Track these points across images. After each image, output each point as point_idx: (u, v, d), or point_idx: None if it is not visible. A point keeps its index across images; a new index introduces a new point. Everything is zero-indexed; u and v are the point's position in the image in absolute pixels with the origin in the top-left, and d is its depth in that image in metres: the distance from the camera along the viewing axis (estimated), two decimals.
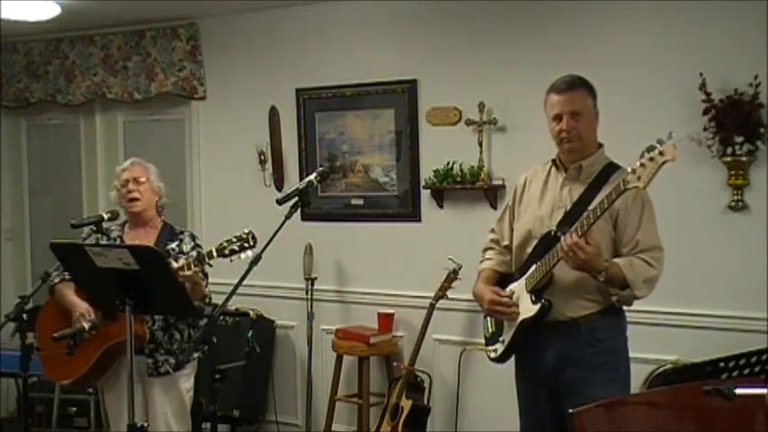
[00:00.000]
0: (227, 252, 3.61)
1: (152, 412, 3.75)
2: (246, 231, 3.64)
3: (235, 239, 3.62)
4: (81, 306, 3.73)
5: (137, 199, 3.87)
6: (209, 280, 3.85)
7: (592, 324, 3.14)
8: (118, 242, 3.88)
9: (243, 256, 3.61)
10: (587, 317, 3.14)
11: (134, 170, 3.93)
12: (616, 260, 3.07)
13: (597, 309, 3.14)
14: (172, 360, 3.79)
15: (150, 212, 3.92)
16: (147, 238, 3.86)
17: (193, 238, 3.95)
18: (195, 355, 3.79)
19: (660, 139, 2.85)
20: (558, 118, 3.17)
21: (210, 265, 3.74)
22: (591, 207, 3.01)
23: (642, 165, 2.84)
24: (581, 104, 3.16)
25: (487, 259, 3.47)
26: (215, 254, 3.61)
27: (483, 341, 3.53)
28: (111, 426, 3.93)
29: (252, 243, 3.60)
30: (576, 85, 3.18)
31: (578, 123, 3.15)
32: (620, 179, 2.94)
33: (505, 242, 3.42)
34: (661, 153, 2.81)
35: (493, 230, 3.50)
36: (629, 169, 2.90)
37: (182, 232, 3.95)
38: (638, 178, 2.84)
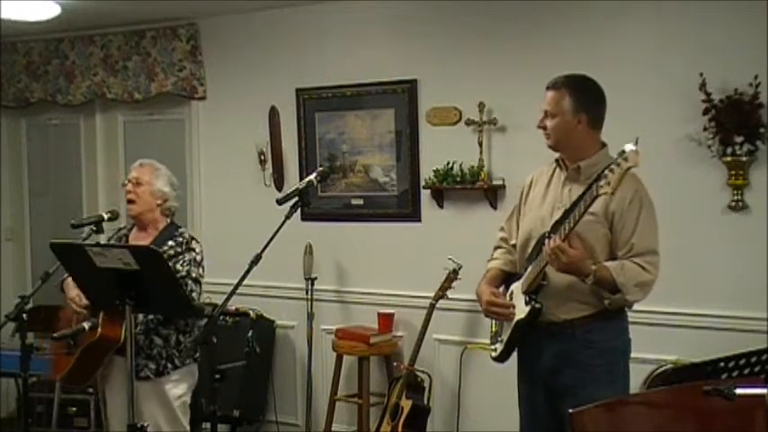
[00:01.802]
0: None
1: (142, 415, 3.73)
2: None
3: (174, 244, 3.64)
4: (72, 293, 3.74)
5: (131, 201, 3.84)
6: (206, 279, 3.83)
7: (586, 326, 3.13)
8: (123, 242, 3.87)
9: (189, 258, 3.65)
10: (582, 319, 3.13)
11: (138, 171, 3.88)
12: (606, 263, 3.06)
13: (592, 311, 3.13)
14: (152, 365, 3.72)
15: (150, 215, 3.85)
16: (147, 239, 3.82)
17: (188, 240, 3.81)
18: (186, 361, 3.74)
19: (623, 149, 2.85)
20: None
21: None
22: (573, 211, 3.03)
23: (611, 170, 2.84)
24: (552, 105, 3.18)
25: (495, 259, 3.48)
26: None
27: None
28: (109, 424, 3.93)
29: (185, 246, 3.61)
30: (557, 85, 3.20)
31: (550, 123, 3.19)
32: (593, 186, 2.93)
33: (513, 240, 3.42)
34: (625, 159, 2.81)
35: (502, 228, 3.51)
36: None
37: (181, 235, 3.84)
38: (608, 184, 2.84)
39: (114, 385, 3.79)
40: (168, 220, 3.90)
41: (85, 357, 3.70)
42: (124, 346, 3.55)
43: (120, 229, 4.03)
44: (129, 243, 3.84)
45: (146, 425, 3.37)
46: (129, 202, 3.85)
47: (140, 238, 3.84)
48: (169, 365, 3.74)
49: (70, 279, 3.82)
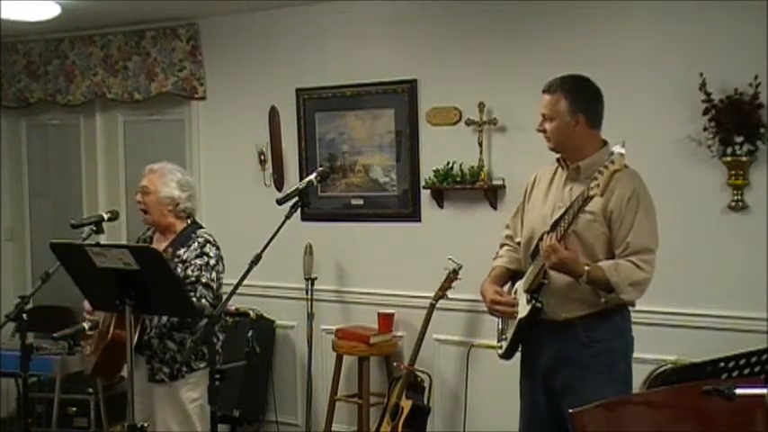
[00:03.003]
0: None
1: (154, 417, 3.73)
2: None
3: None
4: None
5: (144, 211, 3.85)
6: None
7: (587, 325, 3.14)
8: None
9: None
10: (583, 318, 3.14)
11: (146, 180, 3.85)
12: (601, 263, 3.08)
13: (593, 310, 3.14)
14: (166, 369, 3.72)
15: (164, 221, 3.83)
16: (164, 244, 3.79)
17: (203, 245, 3.75)
18: (201, 365, 3.73)
19: (612, 151, 2.87)
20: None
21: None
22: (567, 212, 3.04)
23: (600, 172, 2.85)
24: (549, 108, 3.21)
25: (499, 257, 3.50)
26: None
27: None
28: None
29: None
30: (553, 88, 3.21)
31: (548, 126, 3.21)
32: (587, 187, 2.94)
33: (518, 238, 3.44)
34: (612, 162, 2.83)
35: (508, 226, 3.53)
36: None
37: (197, 239, 3.78)
38: (598, 186, 2.86)
39: (135, 384, 3.79)
40: (188, 221, 3.87)
41: (105, 356, 3.70)
42: (139, 346, 3.60)
43: (145, 231, 4.03)
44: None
45: (146, 425, 3.36)
46: (143, 212, 3.86)
47: (160, 242, 3.84)
48: (184, 369, 3.73)
49: None
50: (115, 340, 3.58)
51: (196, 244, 3.76)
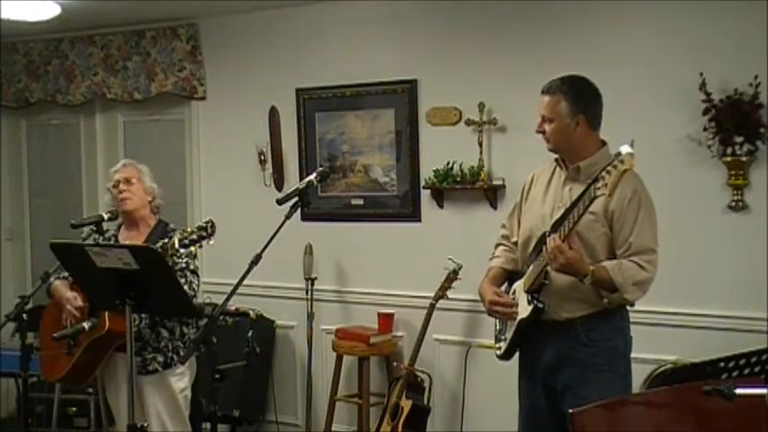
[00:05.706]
0: (186, 242, 3.62)
1: (145, 410, 3.75)
2: (206, 221, 3.69)
3: (196, 229, 3.64)
4: (68, 294, 3.76)
5: (126, 199, 3.87)
6: (206, 279, 3.84)
7: (588, 325, 3.14)
8: (112, 242, 3.88)
9: (204, 243, 3.64)
10: (584, 318, 3.14)
11: (125, 171, 3.94)
12: (604, 263, 3.08)
13: (594, 310, 3.14)
14: (160, 358, 3.77)
15: (143, 212, 3.91)
16: (139, 237, 3.85)
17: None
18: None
19: (620, 151, 2.86)
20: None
21: (177, 256, 3.66)
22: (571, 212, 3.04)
23: (608, 172, 2.85)
24: (549, 109, 3.20)
25: (496, 257, 3.49)
26: (177, 244, 3.57)
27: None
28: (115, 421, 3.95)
29: (210, 231, 3.63)
30: (552, 89, 3.20)
31: (548, 127, 3.20)
32: (591, 187, 2.95)
33: (514, 238, 3.44)
34: (621, 162, 2.83)
35: (504, 226, 3.52)
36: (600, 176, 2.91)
37: (174, 230, 3.87)
38: (606, 185, 2.86)
39: (119, 384, 3.80)
40: (157, 218, 3.96)
41: (87, 354, 3.71)
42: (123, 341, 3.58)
43: (105, 231, 4.00)
44: (119, 243, 3.85)
45: (146, 425, 3.37)
46: (124, 199, 3.88)
47: (132, 237, 3.87)
48: (175, 357, 3.79)
49: (58, 282, 3.83)
50: (113, 332, 3.58)
51: (177, 235, 3.77)
